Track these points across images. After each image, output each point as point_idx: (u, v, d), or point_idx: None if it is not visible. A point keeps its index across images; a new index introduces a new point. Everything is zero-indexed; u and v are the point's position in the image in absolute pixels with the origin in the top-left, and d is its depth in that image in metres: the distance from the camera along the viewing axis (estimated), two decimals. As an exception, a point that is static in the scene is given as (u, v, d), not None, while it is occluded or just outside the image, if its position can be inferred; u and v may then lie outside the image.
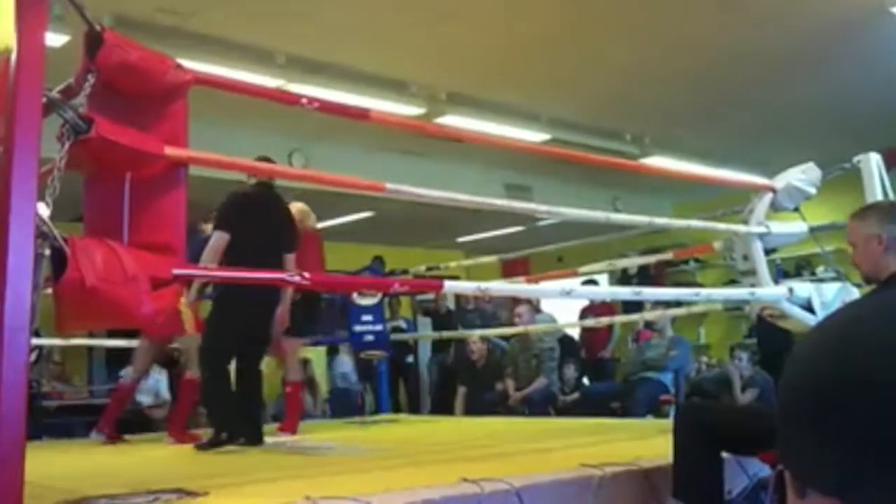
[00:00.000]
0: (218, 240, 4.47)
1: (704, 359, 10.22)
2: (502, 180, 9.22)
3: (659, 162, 8.63)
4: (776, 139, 8.35)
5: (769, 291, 4.14)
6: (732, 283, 6.87)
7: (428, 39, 6.06)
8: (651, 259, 6.70)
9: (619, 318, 8.15)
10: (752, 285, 4.21)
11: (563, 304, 9.53)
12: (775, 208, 4.36)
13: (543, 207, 4.56)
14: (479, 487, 2.52)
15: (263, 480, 3.19)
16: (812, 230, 4.52)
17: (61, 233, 2.09)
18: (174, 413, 5.48)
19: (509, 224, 10.58)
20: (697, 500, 2.90)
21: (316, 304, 5.77)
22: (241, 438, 4.46)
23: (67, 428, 7.06)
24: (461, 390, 8.23)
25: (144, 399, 7.80)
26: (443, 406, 8.68)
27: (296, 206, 5.33)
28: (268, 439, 5.14)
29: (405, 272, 7.29)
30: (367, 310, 6.49)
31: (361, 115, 3.37)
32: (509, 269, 10.58)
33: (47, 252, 2.05)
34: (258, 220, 4.60)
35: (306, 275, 2.78)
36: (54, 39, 4.46)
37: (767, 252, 4.34)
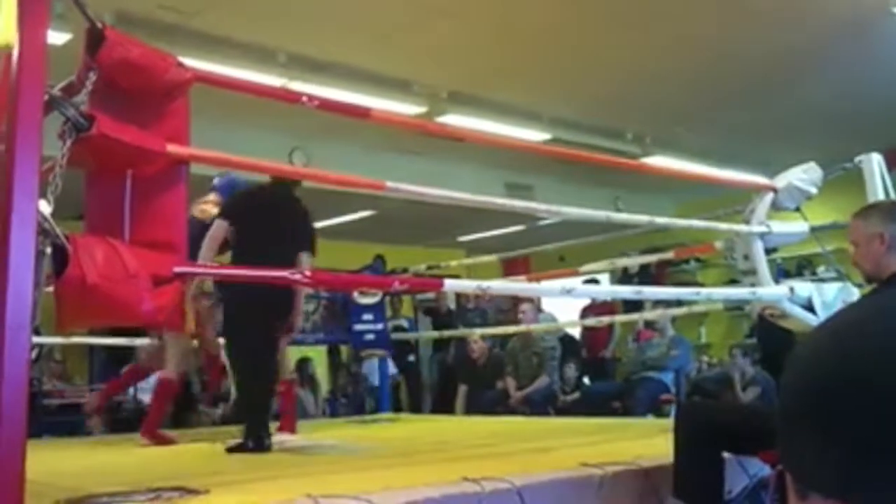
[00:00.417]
0: (217, 228, 4.43)
1: (705, 358, 10.23)
2: (503, 179, 9.23)
3: (660, 161, 8.63)
4: (777, 139, 8.35)
5: (770, 291, 4.14)
6: (733, 282, 6.87)
7: (429, 38, 6.06)
8: (652, 258, 6.69)
9: (620, 318, 8.16)
10: (753, 285, 4.21)
11: (563, 303, 9.54)
12: (776, 208, 4.36)
13: (544, 206, 4.56)
14: (479, 486, 2.52)
15: (264, 478, 3.19)
16: (813, 230, 4.52)
17: (63, 230, 2.09)
18: (150, 412, 5.36)
19: (510, 223, 10.58)
20: (698, 500, 2.90)
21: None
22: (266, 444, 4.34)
23: (68, 426, 7.06)
24: (462, 389, 8.24)
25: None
26: (444, 405, 8.68)
27: None
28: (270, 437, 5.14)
29: (406, 271, 7.29)
30: (367, 309, 6.50)
31: (362, 113, 3.37)
32: (510, 269, 10.58)
33: (48, 249, 2.05)
34: (266, 215, 4.50)
35: (307, 273, 2.77)
36: (56, 37, 4.46)
37: (768, 252, 4.34)
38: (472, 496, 2.49)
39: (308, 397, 9.52)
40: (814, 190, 4.40)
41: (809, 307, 4.05)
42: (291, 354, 9.97)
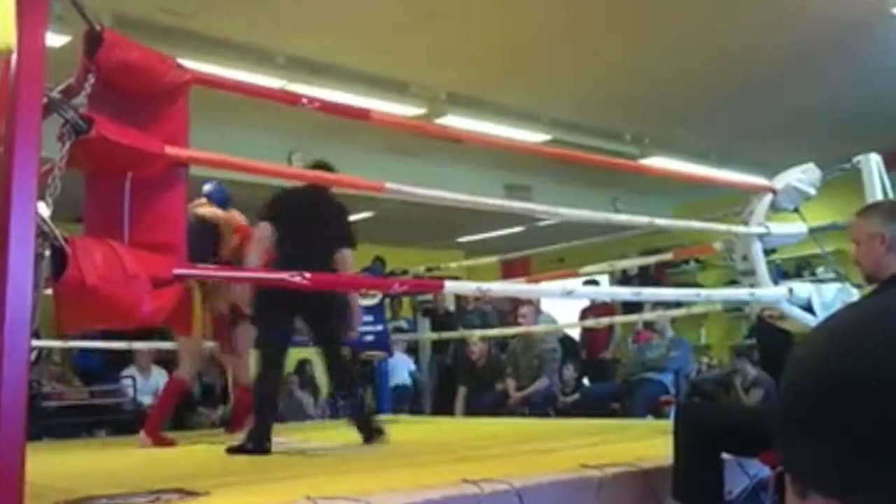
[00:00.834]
0: (261, 229, 4.54)
1: (705, 359, 10.23)
2: (502, 181, 9.23)
3: (659, 162, 8.64)
4: (776, 140, 8.35)
5: (769, 292, 4.14)
6: (732, 283, 6.87)
7: (428, 40, 6.06)
8: (651, 260, 6.70)
9: (619, 319, 8.15)
10: (752, 286, 4.21)
11: (563, 304, 9.53)
12: (775, 209, 4.36)
13: (543, 208, 4.56)
14: (479, 488, 2.52)
15: (264, 480, 3.19)
16: (812, 231, 4.52)
17: (62, 232, 2.09)
18: (153, 411, 5.38)
19: (509, 224, 10.58)
20: (697, 501, 2.89)
21: None
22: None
23: (68, 429, 7.06)
24: (461, 391, 8.23)
25: (145, 399, 7.80)
26: (443, 406, 8.68)
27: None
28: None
29: (405, 272, 7.29)
30: (367, 310, 6.49)
31: (362, 115, 3.37)
32: (510, 270, 10.57)
33: (48, 252, 2.05)
34: (306, 213, 4.59)
35: (307, 275, 2.77)
36: (55, 40, 4.46)
37: (767, 253, 4.34)
38: (471, 498, 2.49)
39: (308, 399, 9.51)
40: (812, 191, 4.40)
41: (808, 308, 4.05)
42: (291, 356, 9.99)
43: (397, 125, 4.72)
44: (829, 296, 4.11)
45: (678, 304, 6.19)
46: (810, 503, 0.59)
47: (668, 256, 6.56)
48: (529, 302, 7.88)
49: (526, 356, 7.72)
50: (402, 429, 5.84)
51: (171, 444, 5.02)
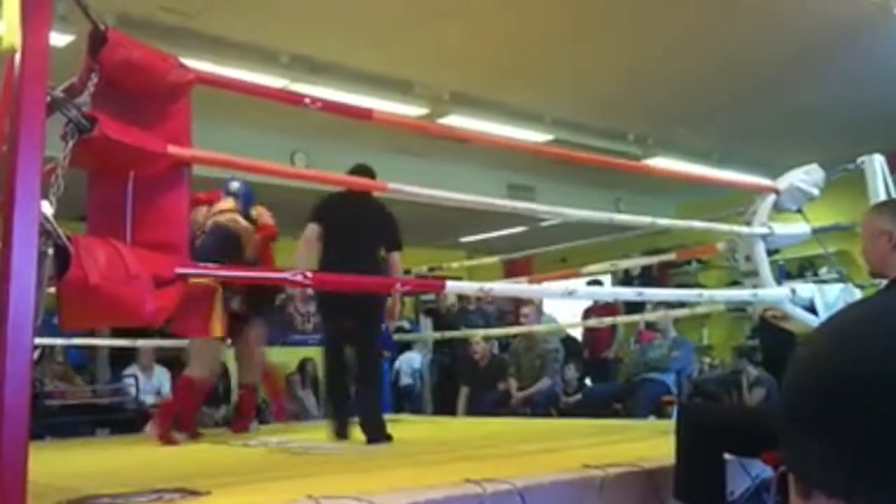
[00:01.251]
0: (309, 231, 4.70)
1: (707, 360, 10.21)
2: (505, 181, 9.22)
3: (662, 163, 8.63)
4: (779, 140, 8.34)
5: (772, 292, 4.13)
6: (735, 284, 6.87)
7: (431, 40, 6.06)
8: (654, 260, 6.69)
9: (622, 319, 8.15)
10: (755, 286, 4.21)
11: (565, 304, 9.53)
12: (778, 209, 4.36)
13: (546, 208, 4.56)
14: (481, 487, 2.52)
15: (266, 479, 3.19)
16: (815, 231, 4.52)
17: (65, 231, 2.10)
18: (164, 408, 5.43)
19: (512, 224, 10.57)
20: (700, 501, 2.89)
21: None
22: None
23: (70, 427, 7.06)
24: (463, 390, 8.23)
25: (148, 398, 7.81)
26: (445, 406, 8.68)
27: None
28: (271, 438, 5.15)
29: (407, 272, 7.29)
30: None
31: (364, 115, 3.37)
32: (512, 270, 10.57)
33: (51, 250, 2.05)
34: (350, 217, 4.73)
35: (308, 274, 2.78)
36: (58, 39, 4.46)
37: (770, 253, 4.34)
38: (473, 497, 2.49)
39: (310, 398, 9.52)
40: (815, 191, 4.39)
41: (811, 309, 4.04)
42: (294, 355, 10.02)
43: (400, 125, 4.72)
44: (831, 296, 4.10)
45: (681, 305, 6.19)
46: (814, 503, 0.58)
47: (670, 257, 6.55)
48: (531, 302, 7.88)
49: (528, 356, 7.72)
50: (404, 428, 5.83)
51: (174, 443, 5.03)
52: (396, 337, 8.21)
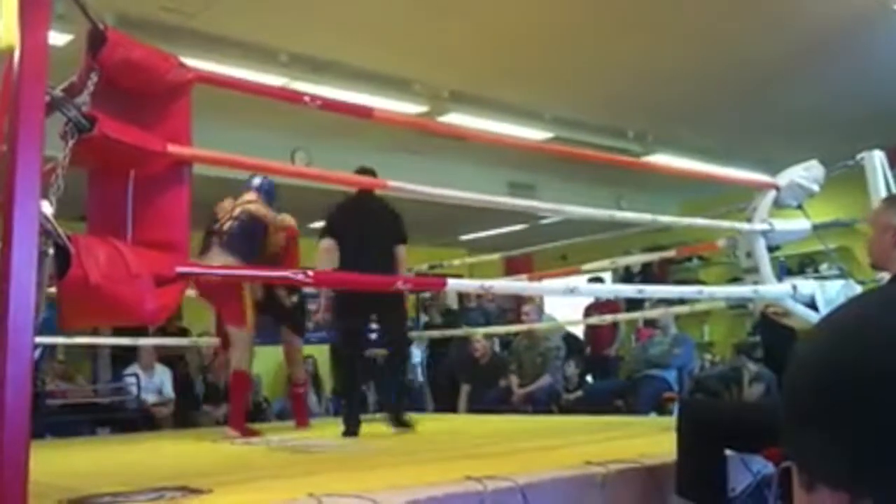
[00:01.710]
0: (323, 246, 5.07)
1: (708, 356, 10.22)
2: (505, 178, 9.22)
3: (662, 160, 8.62)
4: (780, 137, 8.34)
5: (772, 289, 4.13)
6: (736, 280, 6.87)
7: (431, 37, 6.05)
8: (654, 257, 6.69)
9: (623, 316, 8.15)
10: (756, 283, 4.21)
11: (566, 302, 9.54)
12: (779, 206, 4.36)
13: (547, 205, 4.57)
14: (482, 485, 2.52)
15: (267, 477, 3.20)
16: (815, 228, 4.52)
17: (65, 231, 2.10)
18: (231, 408, 5.53)
19: (513, 222, 10.58)
20: (701, 498, 2.89)
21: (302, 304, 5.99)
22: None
23: (71, 426, 7.08)
24: (465, 388, 8.24)
25: (149, 397, 7.82)
26: (446, 404, 8.69)
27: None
28: (273, 437, 5.16)
29: (408, 270, 7.29)
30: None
31: (364, 113, 3.37)
32: (512, 267, 10.57)
33: (51, 250, 2.05)
34: (358, 222, 5.08)
35: (310, 273, 2.78)
36: (58, 38, 4.46)
37: (771, 249, 4.34)
38: (474, 495, 2.49)
39: (311, 396, 9.52)
40: (816, 187, 4.39)
41: (812, 305, 4.04)
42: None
43: (400, 123, 4.71)
44: (832, 292, 4.10)
45: (681, 302, 6.19)
46: (818, 496, 0.59)
47: (671, 253, 6.55)
48: (532, 300, 7.89)
49: (529, 354, 7.73)
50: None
51: (257, 434, 5.17)
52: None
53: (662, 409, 7.06)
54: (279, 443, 4.78)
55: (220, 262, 5.04)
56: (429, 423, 5.87)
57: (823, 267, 9.00)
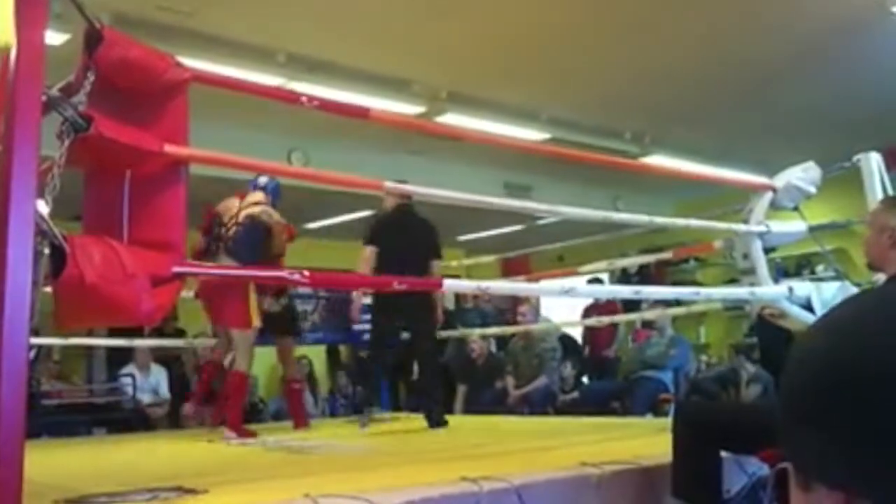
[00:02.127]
0: (366, 253, 5.40)
1: (704, 358, 10.22)
2: (502, 179, 9.22)
3: (659, 161, 8.63)
4: (776, 138, 8.34)
5: (769, 290, 4.13)
6: (732, 282, 6.87)
7: (428, 38, 6.05)
8: (651, 258, 6.69)
9: (620, 318, 8.15)
10: (752, 284, 4.21)
11: (562, 304, 9.54)
12: (775, 207, 4.36)
13: (543, 206, 4.57)
14: (478, 486, 2.52)
15: (263, 478, 3.19)
16: (812, 229, 4.52)
17: (61, 231, 2.09)
18: (229, 408, 5.48)
19: (509, 223, 10.57)
20: (696, 499, 2.90)
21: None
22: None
23: (67, 426, 7.06)
24: (461, 388, 8.24)
25: (145, 397, 7.81)
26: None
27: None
28: (269, 437, 5.15)
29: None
30: (367, 308, 6.48)
31: (361, 113, 3.37)
32: (509, 268, 10.57)
33: (47, 250, 2.04)
34: (399, 235, 5.41)
35: (306, 273, 2.77)
36: (54, 38, 4.46)
37: (767, 251, 4.34)
38: (470, 496, 2.49)
39: (307, 397, 9.51)
40: (813, 189, 4.40)
41: (808, 306, 4.05)
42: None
43: (397, 123, 4.71)
44: (828, 294, 4.10)
45: (678, 303, 6.19)
46: (814, 496, 0.59)
47: (667, 255, 6.55)
48: (529, 301, 7.89)
49: (526, 355, 7.73)
50: (401, 426, 5.85)
51: (252, 435, 5.19)
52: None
53: (658, 411, 7.06)
54: (275, 443, 4.77)
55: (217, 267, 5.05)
56: (425, 424, 5.87)
57: (820, 269, 9.01)
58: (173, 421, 7.78)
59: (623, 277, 10.47)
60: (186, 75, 2.61)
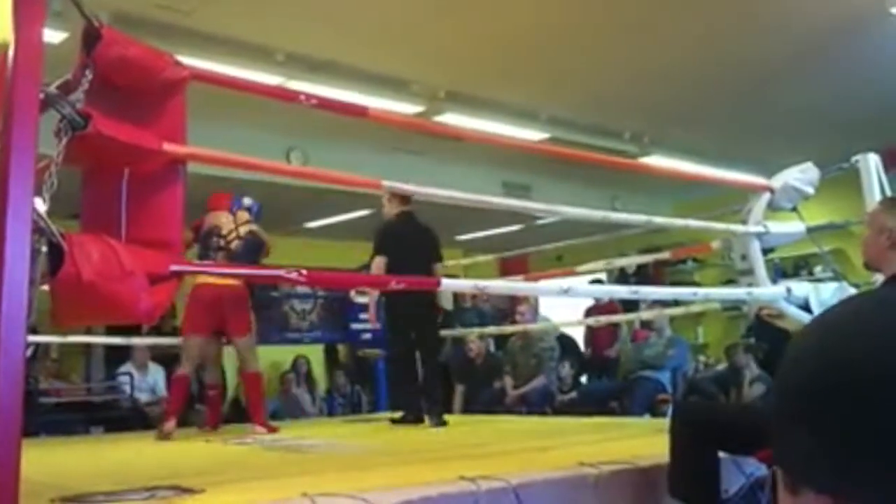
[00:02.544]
0: (378, 261, 5.61)
1: (702, 358, 10.23)
2: (501, 179, 9.22)
3: (658, 161, 8.63)
4: (775, 139, 8.35)
5: (767, 291, 4.14)
6: (730, 282, 6.88)
7: (428, 37, 6.05)
8: (649, 258, 6.69)
9: (618, 318, 8.14)
10: (750, 285, 4.22)
11: (563, 304, 9.53)
12: (773, 208, 4.36)
13: (542, 206, 4.57)
14: (476, 485, 2.52)
15: (261, 477, 3.19)
16: (810, 230, 4.53)
17: (59, 229, 2.09)
18: (253, 407, 5.85)
19: (508, 223, 10.57)
20: (694, 499, 2.90)
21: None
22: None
23: (65, 425, 7.06)
24: (459, 388, 8.24)
25: (143, 396, 7.80)
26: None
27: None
28: (266, 437, 5.15)
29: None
30: (365, 308, 6.49)
31: (360, 112, 3.36)
32: (508, 268, 10.57)
33: (44, 248, 2.04)
34: (404, 242, 5.67)
35: (303, 272, 2.77)
36: (53, 36, 4.45)
37: (765, 252, 4.34)
38: (468, 495, 2.49)
39: (305, 396, 9.51)
40: (811, 190, 4.40)
41: (806, 307, 4.05)
42: (288, 353, 10.01)
43: (395, 123, 4.71)
44: (826, 295, 4.11)
45: (676, 303, 6.19)
46: (803, 500, 0.58)
47: (665, 255, 6.56)
48: (527, 300, 7.89)
49: (524, 355, 7.72)
50: (399, 426, 5.84)
51: (276, 430, 5.51)
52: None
53: (656, 411, 7.07)
54: (272, 442, 4.77)
55: (225, 279, 5.30)
56: (423, 423, 5.87)
57: (818, 269, 9.01)
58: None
59: (622, 277, 10.47)
60: (185, 74, 2.61)
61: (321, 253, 9.11)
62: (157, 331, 7.78)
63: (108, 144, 2.30)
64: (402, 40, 6.08)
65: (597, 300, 9.34)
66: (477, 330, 8.10)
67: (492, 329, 8.24)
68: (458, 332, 8.34)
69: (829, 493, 0.56)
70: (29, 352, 5.25)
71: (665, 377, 7.52)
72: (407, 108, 6.91)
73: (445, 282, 3.64)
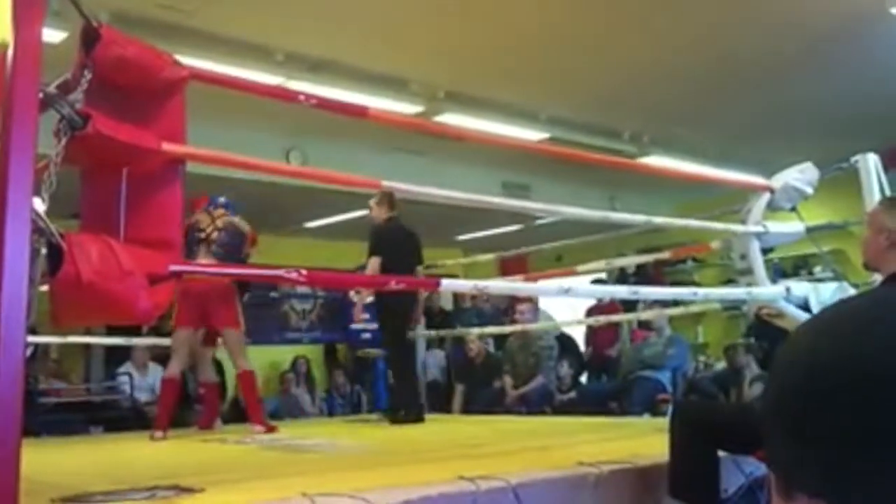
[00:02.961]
0: (375, 262, 5.88)
1: (702, 358, 10.23)
2: (500, 178, 9.21)
3: (657, 161, 8.62)
4: (774, 139, 8.35)
5: (766, 291, 4.14)
6: (730, 282, 6.88)
7: (427, 37, 6.05)
8: (649, 258, 6.69)
9: (617, 317, 8.14)
10: (750, 285, 4.22)
11: (563, 304, 9.53)
12: (773, 208, 4.36)
13: (541, 206, 4.57)
14: (475, 485, 2.52)
15: (260, 477, 3.19)
16: (809, 230, 4.53)
17: (58, 228, 2.09)
18: (250, 406, 5.88)
19: (507, 223, 10.57)
20: (694, 499, 2.90)
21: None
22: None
23: (65, 425, 7.05)
24: (459, 388, 8.24)
25: (142, 396, 7.80)
26: (441, 404, 8.68)
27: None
28: (266, 436, 5.15)
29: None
30: (364, 308, 6.48)
31: (359, 112, 3.36)
32: (507, 268, 10.57)
33: (44, 248, 2.04)
34: (395, 244, 6.01)
35: (303, 272, 2.77)
36: (52, 35, 4.45)
37: (765, 252, 4.35)
38: (467, 494, 2.49)
39: (304, 396, 9.51)
40: (810, 190, 4.40)
41: (805, 307, 4.05)
42: (288, 353, 10.00)
43: (395, 123, 4.71)
44: (826, 295, 4.11)
45: (676, 303, 6.19)
46: (795, 503, 0.58)
47: (665, 255, 6.55)
48: (528, 300, 7.88)
49: (523, 354, 7.71)
50: (398, 426, 5.84)
51: (275, 430, 5.55)
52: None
53: (656, 411, 7.06)
54: (272, 442, 4.77)
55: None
56: (422, 423, 5.88)
57: (817, 269, 9.02)
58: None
59: (621, 277, 10.47)
60: (184, 73, 2.61)
61: (321, 253, 9.11)
62: (156, 331, 7.77)
63: (107, 144, 2.30)
64: (402, 40, 6.08)
65: (598, 300, 9.33)
66: (476, 330, 8.10)
67: (491, 329, 8.24)
68: (458, 331, 8.34)
69: (821, 497, 0.55)
70: (29, 352, 5.25)
71: (665, 377, 7.51)
72: (407, 108, 6.91)
73: (446, 282, 3.64)
